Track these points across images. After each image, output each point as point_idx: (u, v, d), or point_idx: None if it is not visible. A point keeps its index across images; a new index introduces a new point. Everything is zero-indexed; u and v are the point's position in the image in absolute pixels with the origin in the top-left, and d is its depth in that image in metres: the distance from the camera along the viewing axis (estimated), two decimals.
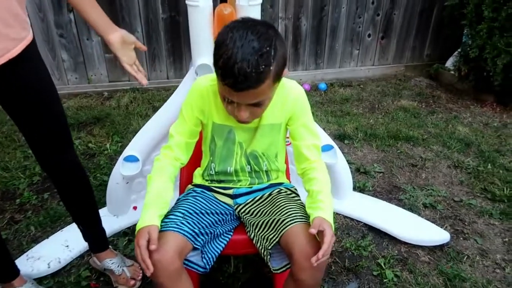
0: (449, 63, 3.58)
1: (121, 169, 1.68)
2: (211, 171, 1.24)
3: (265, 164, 1.22)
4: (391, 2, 3.42)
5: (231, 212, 1.24)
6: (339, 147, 1.82)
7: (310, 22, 3.35)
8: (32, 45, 1.09)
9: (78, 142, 2.43)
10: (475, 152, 2.43)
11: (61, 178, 1.30)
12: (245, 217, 1.20)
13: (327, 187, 1.12)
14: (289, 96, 1.14)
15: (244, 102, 0.98)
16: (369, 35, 3.52)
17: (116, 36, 1.15)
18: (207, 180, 1.27)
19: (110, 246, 1.52)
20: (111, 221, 1.74)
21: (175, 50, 3.16)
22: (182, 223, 1.09)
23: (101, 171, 2.16)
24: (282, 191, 1.22)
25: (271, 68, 0.92)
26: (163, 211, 1.07)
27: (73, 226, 1.49)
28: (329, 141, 1.79)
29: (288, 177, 1.36)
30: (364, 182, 2.11)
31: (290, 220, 1.08)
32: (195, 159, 1.30)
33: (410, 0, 3.44)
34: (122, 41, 1.17)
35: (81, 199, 1.37)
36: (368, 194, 2.02)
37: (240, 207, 1.23)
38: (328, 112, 2.94)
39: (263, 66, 0.90)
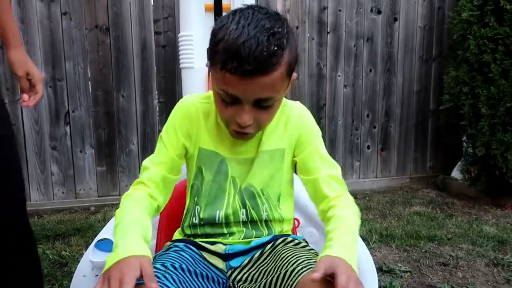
0: (455, 173, 3.45)
1: (90, 255, 1.35)
2: (194, 219, 0.94)
3: (264, 208, 0.93)
4: (385, 115, 3.48)
5: (224, 281, 0.91)
6: None
7: None
8: None
9: (50, 252, 2.09)
10: None
11: None
12: (242, 287, 0.88)
13: (347, 224, 0.81)
14: (292, 113, 0.94)
15: (250, 97, 0.77)
16: (368, 147, 3.48)
17: (18, 60, 1.13)
18: (189, 236, 0.96)
19: None
20: None
21: None
22: (166, 277, 0.77)
23: (71, 279, 1.78)
24: (289, 240, 0.92)
25: (284, 52, 0.75)
26: (148, 244, 0.76)
27: None
28: None
29: (294, 232, 1.06)
30: (390, 281, 1.73)
31: (303, 268, 0.77)
32: (178, 215, 1.03)
33: (404, 114, 3.51)
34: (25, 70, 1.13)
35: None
36: None
37: (236, 273, 0.90)
38: None
39: (275, 47, 0.73)
